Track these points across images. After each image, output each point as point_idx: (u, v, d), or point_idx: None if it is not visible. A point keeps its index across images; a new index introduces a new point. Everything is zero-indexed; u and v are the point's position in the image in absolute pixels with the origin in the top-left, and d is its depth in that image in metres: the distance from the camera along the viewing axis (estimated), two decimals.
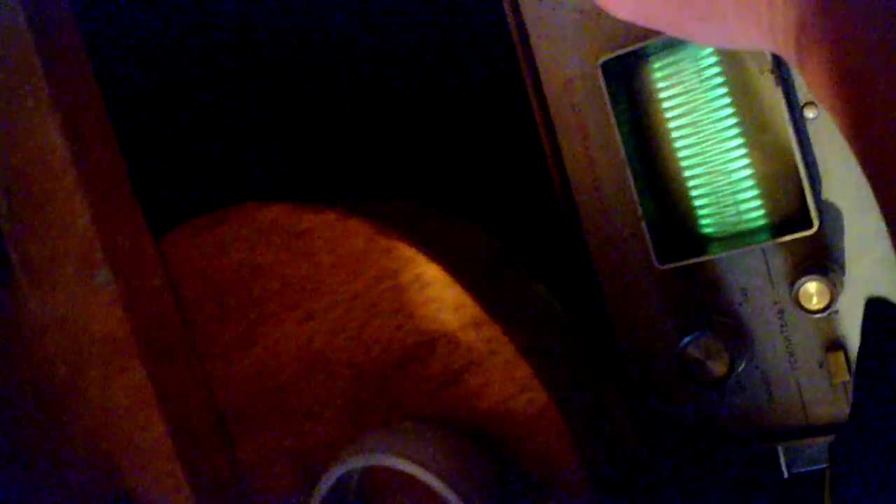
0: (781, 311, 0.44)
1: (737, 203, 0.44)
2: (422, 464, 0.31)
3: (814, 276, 0.41)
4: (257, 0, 0.57)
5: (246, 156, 0.58)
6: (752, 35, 0.30)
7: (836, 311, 0.43)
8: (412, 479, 0.33)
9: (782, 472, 0.47)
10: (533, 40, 0.46)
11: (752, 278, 0.44)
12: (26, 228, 0.42)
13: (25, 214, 0.42)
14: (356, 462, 0.32)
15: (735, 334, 0.44)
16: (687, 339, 0.43)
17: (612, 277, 0.46)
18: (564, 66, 0.46)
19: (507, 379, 0.32)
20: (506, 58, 0.47)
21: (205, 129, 0.57)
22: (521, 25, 0.47)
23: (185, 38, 0.56)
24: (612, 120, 0.44)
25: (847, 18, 0.26)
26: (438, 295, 0.33)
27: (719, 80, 0.43)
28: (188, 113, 0.57)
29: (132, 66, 0.53)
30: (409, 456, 0.31)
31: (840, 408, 0.44)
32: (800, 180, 0.41)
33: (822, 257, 0.43)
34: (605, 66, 0.43)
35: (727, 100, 0.43)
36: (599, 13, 0.45)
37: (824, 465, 0.47)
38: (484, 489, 0.31)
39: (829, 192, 0.42)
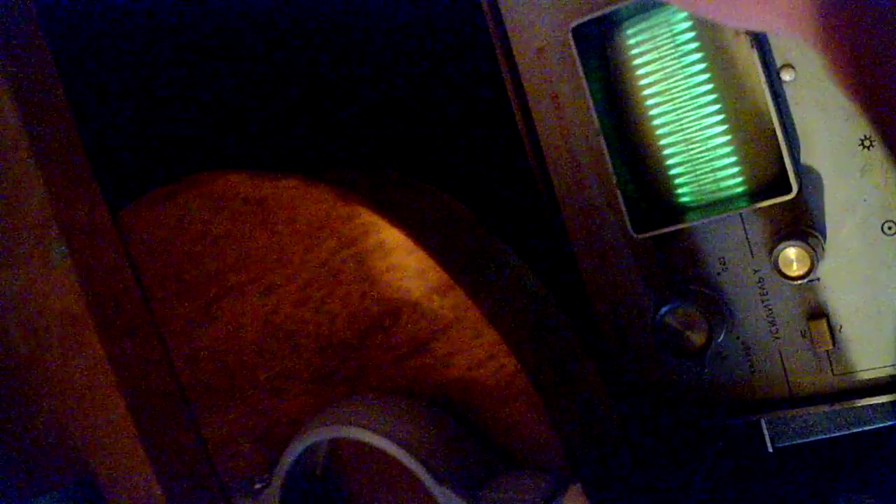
0: (761, 280, 0.43)
1: (714, 170, 0.43)
2: (387, 435, 0.29)
3: (794, 242, 0.40)
4: None
5: (209, 126, 0.56)
6: (767, 18, 0.29)
7: (818, 278, 0.42)
8: (381, 453, 0.32)
9: (766, 446, 0.46)
10: (503, 7, 0.45)
11: (730, 246, 0.43)
12: None
13: None
14: (319, 434, 0.31)
15: (714, 304, 0.43)
16: (664, 309, 0.41)
17: (588, 248, 0.44)
18: (536, 33, 0.44)
19: (474, 346, 0.31)
20: (477, 26, 0.46)
21: (164, 100, 0.55)
22: None
23: (142, 4, 0.55)
24: (586, 87, 0.42)
25: None
26: (402, 261, 0.32)
27: (694, 44, 0.42)
28: (146, 83, 0.55)
29: (87, 36, 0.51)
30: (375, 427, 0.30)
31: (824, 377, 0.43)
32: (778, 144, 0.40)
33: (802, 223, 0.42)
34: (577, 31, 0.42)
35: (702, 65, 0.42)
36: None
37: (811, 438, 0.46)
38: (454, 460, 0.29)
39: (808, 156, 0.41)
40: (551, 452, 0.31)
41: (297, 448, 0.32)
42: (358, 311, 0.33)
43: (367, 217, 0.32)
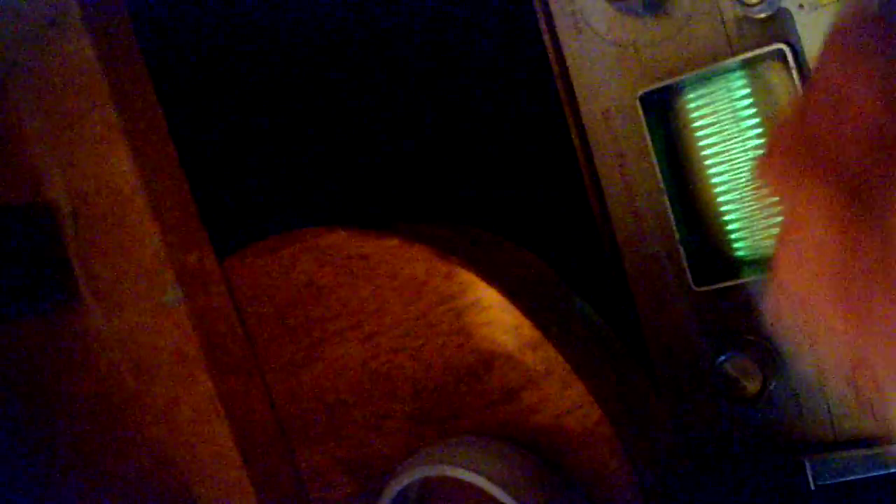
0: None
1: (769, 226, 0.46)
2: (485, 474, 0.33)
3: None
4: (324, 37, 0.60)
5: (289, 185, 0.60)
6: None
7: None
8: (470, 493, 0.36)
9: (809, 484, 0.49)
10: (572, 72, 0.49)
11: None
12: (94, 249, 0.44)
13: (92, 235, 0.44)
14: (420, 472, 0.34)
15: (768, 354, 0.46)
16: (722, 358, 0.45)
17: (648, 298, 0.48)
18: (603, 96, 0.48)
19: (562, 396, 0.34)
20: (546, 90, 0.49)
21: (258, 159, 0.59)
22: (560, 58, 0.49)
23: (242, 64, 0.59)
24: (650, 148, 0.46)
25: None
26: (497, 317, 0.35)
27: (751, 110, 0.46)
28: (242, 140, 0.59)
29: (188, 88, 0.55)
30: (473, 467, 0.33)
31: (867, 422, 0.46)
32: None
33: None
34: (644, 98, 0.45)
35: (759, 129, 0.45)
36: (637, 47, 0.47)
37: (850, 478, 0.49)
38: (543, 499, 0.33)
39: None
40: (630, 493, 0.34)
41: (398, 484, 0.35)
42: (453, 360, 0.36)
43: (465, 276, 0.35)
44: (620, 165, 0.48)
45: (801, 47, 0.43)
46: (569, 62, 0.49)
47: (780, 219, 0.46)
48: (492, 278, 0.35)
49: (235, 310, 0.42)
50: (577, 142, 0.49)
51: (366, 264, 0.38)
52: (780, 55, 0.43)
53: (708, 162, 0.47)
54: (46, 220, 0.46)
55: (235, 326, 0.42)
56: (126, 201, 0.43)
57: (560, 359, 0.34)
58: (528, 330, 0.34)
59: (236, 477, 0.41)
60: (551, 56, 0.49)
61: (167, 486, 0.44)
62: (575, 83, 0.49)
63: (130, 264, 0.43)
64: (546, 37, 0.49)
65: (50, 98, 0.45)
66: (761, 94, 0.45)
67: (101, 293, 0.45)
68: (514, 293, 0.35)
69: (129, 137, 0.43)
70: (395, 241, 0.37)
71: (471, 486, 0.34)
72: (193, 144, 0.47)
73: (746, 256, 0.47)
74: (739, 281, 0.45)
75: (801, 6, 0.43)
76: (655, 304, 0.48)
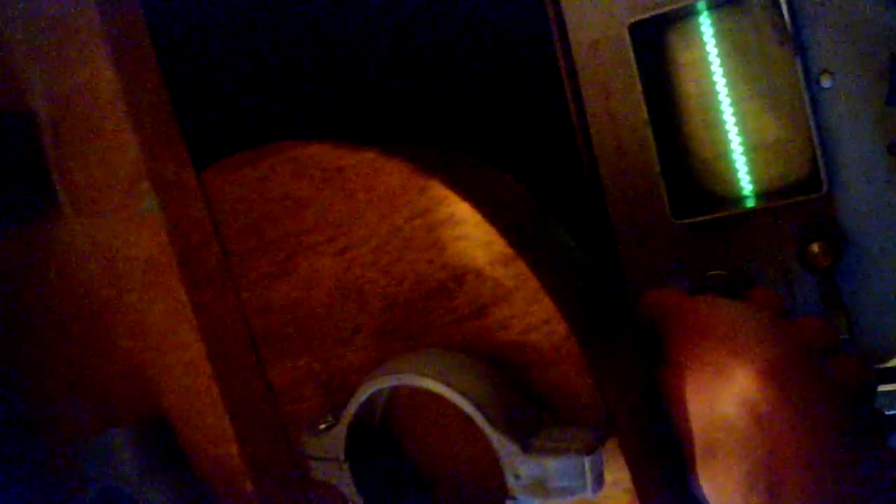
0: (787, 270, 0.46)
1: (751, 164, 0.46)
2: (449, 384, 0.33)
3: (819, 237, 0.44)
4: None
5: (277, 102, 0.59)
6: None
7: (840, 273, 0.45)
8: (436, 403, 0.36)
9: None
10: (563, 2, 0.48)
11: (761, 237, 0.46)
12: (73, 158, 0.44)
13: (72, 144, 0.44)
14: (387, 381, 0.35)
15: (742, 290, 0.46)
16: (695, 293, 0.45)
17: (628, 229, 0.48)
18: (593, 26, 0.48)
19: (530, 312, 0.34)
20: (536, 16, 0.49)
21: (244, 72, 0.59)
22: None
23: None
24: (637, 80, 0.46)
25: None
26: (469, 232, 0.35)
27: (739, 46, 0.45)
28: (227, 58, 0.59)
29: (177, 4, 0.54)
30: (437, 377, 0.33)
31: None
32: (812, 145, 0.43)
33: (829, 220, 0.45)
34: (633, 28, 0.45)
35: (745, 65, 0.45)
36: None
37: None
38: (507, 410, 0.33)
39: (839, 158, 0.44)
40: (593, 411, 0.34)
41: (365, 391, 0.35)
42: (425, 275, 0.36)
43: (440, 190, 0.35)
44: (606, 97, 0.48)
45: None
46: None
47: (761, 157, 0.46)
48: (466, 194, 0.35)
49: (211, 221, 0.42)
50: (564, 72, 0.49)
51: (342, 177, 0.38)
52: None
53: (693, 97, 0.47)
54: (27, 128, 0.46)
55: (210, 238, 0.42)
56: (105, 109, 0.42)
57: (530, 274, 0.34)
58: (499, 246, 0.34)
59: (206, 387, 0.41)
60: None
61: (139, 396, 0.44)
62: (565, 10, 0.48)
63: (108, 173, 0.43)
64: None
65: (32, 4, 0.44)
66: (750, 29, 0.45)
67: (79, 202, 0.44)
68: (487, 209, 0.35)
69: (110, 44, 0.42)
70: (371, 154, 0.37)
71: (437, 397, 0.34)
72: (178, 59, 0.47)
73: (727, 193, 0.47)
74: (718, 215, 0.45)
75: None
76: (635, 235, 0.48)
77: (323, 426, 0.38)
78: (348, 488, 0.37)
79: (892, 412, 0.45)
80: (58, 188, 0.45)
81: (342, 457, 0.37)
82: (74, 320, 0.46)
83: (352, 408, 0.36)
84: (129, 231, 0.42)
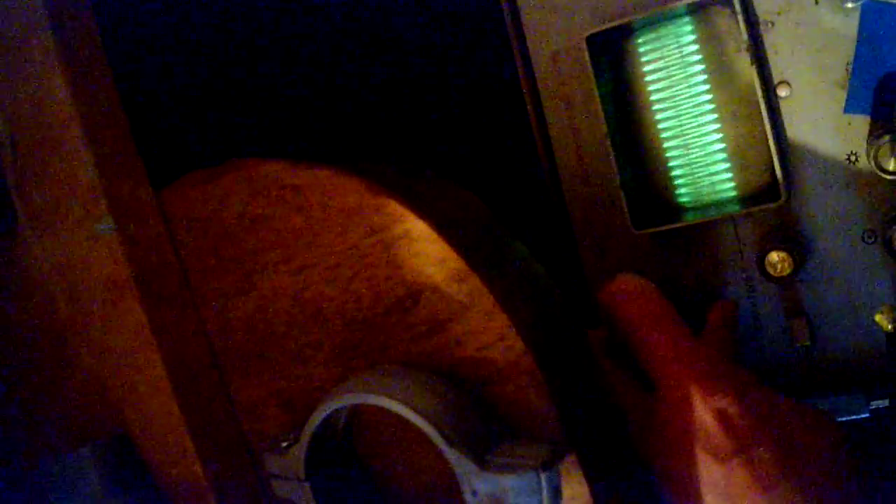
0: (749, 278, 0.46)
1: (710, 174, 0.46)
2: (406, 402, 0.33)
3: (779, 246, 0.44)
4: None
5: (236, 120, 0.59)
6: None
7: (800, 280, 0.45)
8: (397, 420, 0.36)
9: None
10: (523, 12, 0.48)
11: (722, 246, 0.46)
12: (31, 178, 0.44)
13: (31, 164, 0.44)
14: (345, 400, 0.35)
15: (704, 299, 0.46)
16: None
17: (591, 241, 0.48)
18: (552, 38, 0.48)
19: (485, 329, 0.34)
20: (495, 29, 0.49)
21: (200, 91, 0.59)
22: None
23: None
24: (595, 92, 0.46)
25: None
26: (425, 249, 0.35)
27: (698, 56, 0.45)
28: (183, 74, 0.58)
29: (132, 23, 0.54)
30: (395, 395, 0.33)
31: (801, 371, 0.47)
32: (770, 155, 0.43)
33: (788, 228, 0.45)
34: (591, 40, 0.45)
35: (705, 76, 0.45)
36: None
37: None
38: (464, 427, 0.33)
39: (798, 167, 0.44)
40: (550, 426, 0.34)
41: (324, 410, 0.35)
42: (382, 292, 0.36)
43: (395, 207, 0.35)
44: (567, 108, 0.48)
45: None
46: (519, 2, 0.48)
47: (721, 167, 0.46)
48: (422, 211, 0.35)
49: (170, 240, 0.42)
50: (524, 83, 0.49)
51: (298, 195, 0.38)
52: (728, 1, 0.43)
53: (654, 108, 0.47)
54: None
55: (169, 257, 0.42)
56: (61, 128, 0.42)
57: (485, 290, 0.34)
58: (454, 262, 0.34)
59: (168, 406, 0.41)
60: None
61: (102, 415, 0.44)
62: (525, 24, 0.48)
63: (65, 193, 0.42)
64: None
65: None
66: (708, 39, 0.45)
67: (38, 222, 0.44)
68: (442, 226, 0.35)
69: (66, 64, 0.42)
70: (327, 172, 0.37)
71: (396, 415, 0.34)
72: (134, 77, 0.47)
73: (687, 203, 0.47)
74: (679, 225, 0.45)
75: None
76: (597, 246, 0.48)
77: (284, 444, 0.38)
78: None
79: (852, 417, 0.46)
80: (17, 208, 0.45)
81: (302, 475, 0.37)
82: (35, 340, 0.46)
83: (311, 426, 0.36)
84: (88, 250, 0.42)
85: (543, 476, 0.32)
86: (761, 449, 0.35)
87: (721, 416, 0.36)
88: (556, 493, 0.32)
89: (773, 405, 0.37)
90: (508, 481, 0.32)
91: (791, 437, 0.35)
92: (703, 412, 0.36)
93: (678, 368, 0.37)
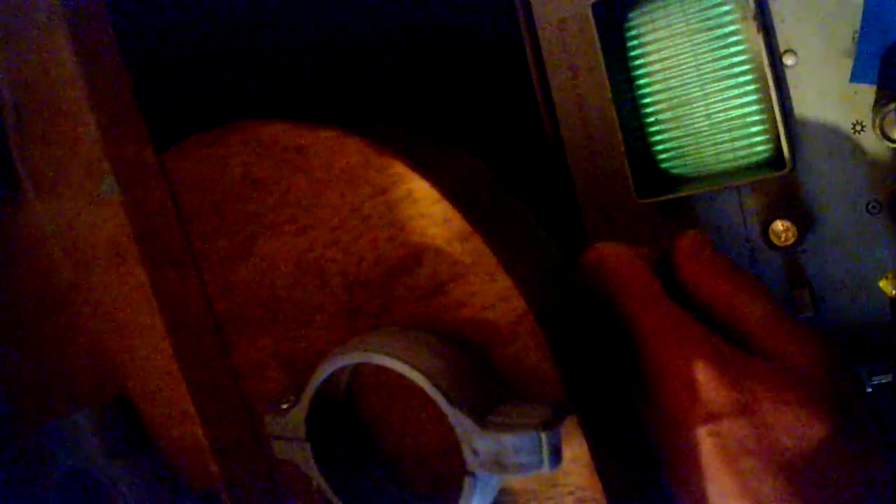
0: (752, 248, 0.46)
1: (715, 144, 0.46)
2: (408, 362, 0.33)
3: (783, 215, 0.44)
4: None
5: (239, 84, 0.59)
6: None
7: (804, 250, 0.45)
8: (398, 381, 0.36)
9: None
10: None
11: (726, 215, 0.46)
12: (35, 140, 0.44)
13: (34, 127, 0.44)
14: (346, 359, 0.35)
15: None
16: (660, 271, 0.45)
17: (595, 210, 0.48)
18: (559, 5, 0.47)
19: (488, 290, 0.34)
20: None
21: (205, 53, 0.58)
22: None
23: None
24: (602, 60, 0.46)
25: None
26: (428, 210, 0.35)
27: (704, 24, 0.45)
28: (187, 36, 0.58)
29: None
30: (398, 355, 0.33)
31: None
32: (776, 124, 0.43)
33: (793, 198, 0.45)
34: (597, 7, 0.45)
35: (711, 44, 0.45)
36: None
37: None
38: (465, 388, 0.33)
39: (803, 137, 0.44)
40: (552, 387, 0.34)
41: (325, 370, 0.35)
42: (385, 253, 0.36)
43: (398, 168, 0.35)
44: (573, 77, 0.48)
45: None
46: None
47: (726, 136, 0.46)
48: (425, 171, 0.35)
49: (173, 203, 0.42)
50: (530, 52, 0.49)
51: (301, 156, 0.38)
52: None
53: (659, 76, 0.47)
54: None
55: (172, 220, 0.42)
56: (64, 91, 0.42)
57: (487, 251, 0.34)
58: (458, 223, 0.34)
59: (169, 368, 0.41)
60: None
61: (103, 377, 0.44)
62: None
63: (69, 155, 0.42)
64: None
65: None
66: (714, 7, 0.45)
67: (41, 185, 0.44)
68: (446, 186, 0.35)
69: (69, 25, 0.42)
70: (330, 133, 0.37)
71: (400, 374, 0.34)
72: (138, 40, 0.47)
73: (692, 173, 0.47)
74: (683, 194, 0.45)
75: None
76: (601, 215, 0.48)
77: (285, 405, 0.38)
78: (309, 467, 0.37)
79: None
80: (20, 170, 0.45)
81: (303, 436, 0.37)
82: (37, 303, 0.46)
83: (311, 387, 0.36)
84: (91, 213, 0.42)
85: (544, 436, 0.32)
86: (730, 420, 0.34)
87: (692, 386, 0.35)
88: (556, 453, 0.32)
89: (749, 375, 0.35)
90: (509, 440, 0.32)
91: (766, 410, 0.34)
92: (677, 384, 0.35)
93: (654, 340, 0.37)
